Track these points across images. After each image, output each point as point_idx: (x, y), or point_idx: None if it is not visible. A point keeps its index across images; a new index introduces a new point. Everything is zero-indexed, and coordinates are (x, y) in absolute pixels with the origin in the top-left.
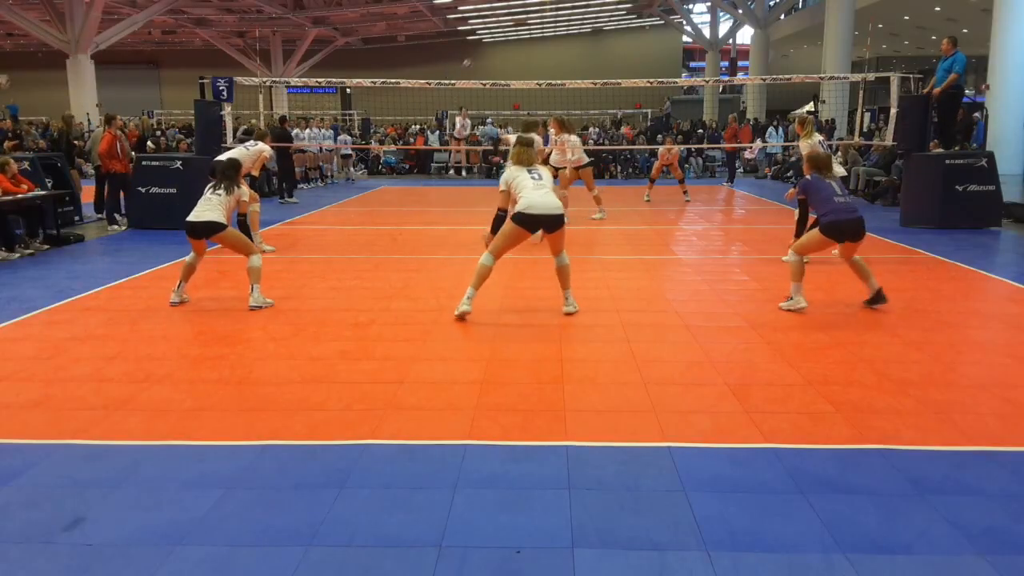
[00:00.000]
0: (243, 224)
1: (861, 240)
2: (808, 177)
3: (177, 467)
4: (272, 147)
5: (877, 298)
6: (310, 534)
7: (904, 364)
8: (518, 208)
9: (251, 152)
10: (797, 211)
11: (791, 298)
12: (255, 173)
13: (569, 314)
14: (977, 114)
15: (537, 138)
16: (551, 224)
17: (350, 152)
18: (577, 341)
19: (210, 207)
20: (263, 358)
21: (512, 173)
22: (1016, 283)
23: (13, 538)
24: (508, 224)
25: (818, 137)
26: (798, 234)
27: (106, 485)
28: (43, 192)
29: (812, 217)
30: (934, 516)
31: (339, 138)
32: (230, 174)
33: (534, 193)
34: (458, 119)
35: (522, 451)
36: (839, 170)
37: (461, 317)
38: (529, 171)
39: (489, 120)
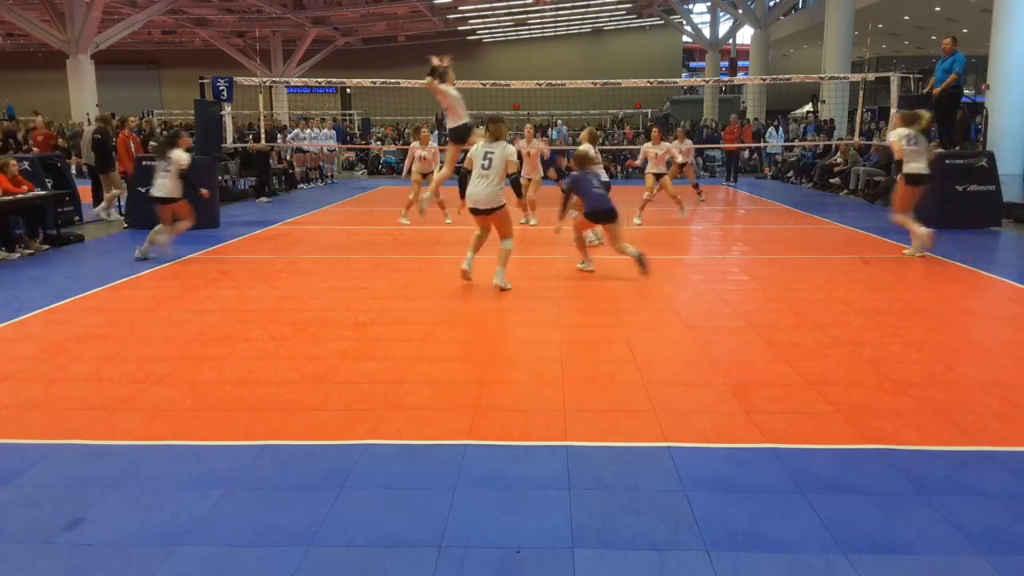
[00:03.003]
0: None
1: (614, 222)
2: (576, 173)
3: (177, 467)
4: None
5: (640, 261)
6: (310, 534)
7: (904, 364)
8: None
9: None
10: (563, 198)
11: (584, 261)
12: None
13: (499, 287)
14: (978, 116)
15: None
16: (483, 213)
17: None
18: (577, 341)
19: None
20: (263, 358)
21: (475, 149)
22: (1016, 283)
23: (13, 538)
24: None
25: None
26: (561, 215)
27: (106, 485)
28: (43, 192)
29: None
30: (934, 516)
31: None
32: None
33: (473, 184)
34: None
35: (522, 451)
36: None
37: (465, 275)
38: (485, 155)
39: None
